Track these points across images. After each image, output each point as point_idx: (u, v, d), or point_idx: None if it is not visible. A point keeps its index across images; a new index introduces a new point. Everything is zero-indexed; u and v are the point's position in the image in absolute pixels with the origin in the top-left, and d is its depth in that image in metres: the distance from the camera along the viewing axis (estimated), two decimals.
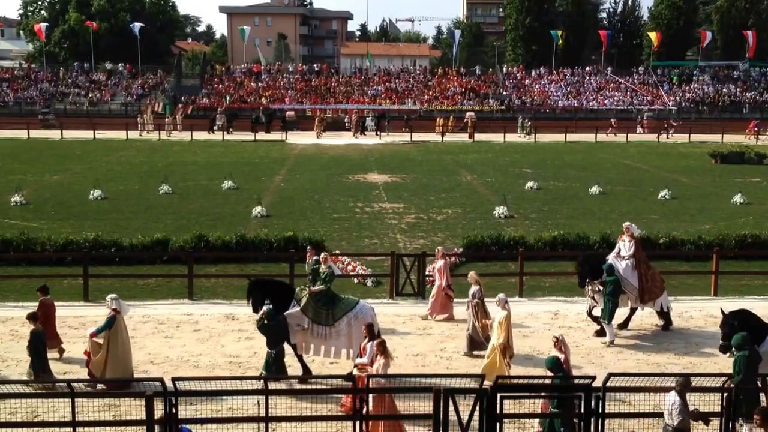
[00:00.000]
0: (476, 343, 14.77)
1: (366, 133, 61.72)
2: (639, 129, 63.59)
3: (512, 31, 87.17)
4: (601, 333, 15.93)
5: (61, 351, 14.69)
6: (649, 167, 42.75)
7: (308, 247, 17.77)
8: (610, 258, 16.19)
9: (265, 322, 13.16)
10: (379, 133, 60.82)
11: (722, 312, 12.92)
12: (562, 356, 11.41)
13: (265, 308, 13.20)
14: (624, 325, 16.40)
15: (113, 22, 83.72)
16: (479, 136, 59.21)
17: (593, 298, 16.06)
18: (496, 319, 13.58)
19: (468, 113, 66.58)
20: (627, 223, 16.94)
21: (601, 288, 15.80)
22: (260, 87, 73.48)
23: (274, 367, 12.86)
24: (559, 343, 11.66)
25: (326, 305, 13.83)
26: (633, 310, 16.48)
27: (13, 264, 20.43)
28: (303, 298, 13.88)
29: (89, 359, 13.30)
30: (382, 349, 11.46)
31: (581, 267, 16.33)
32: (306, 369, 13.73)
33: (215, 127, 60.85)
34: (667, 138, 60.38)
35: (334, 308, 13.79)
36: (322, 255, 15.29)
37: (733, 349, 11.62)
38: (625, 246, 16.38)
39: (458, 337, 15.92)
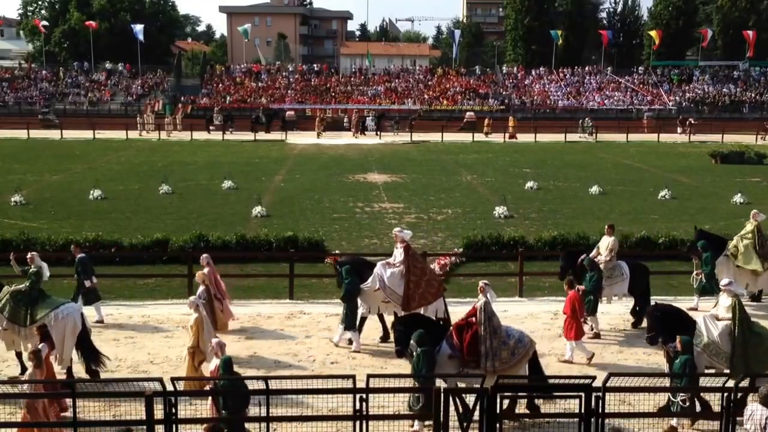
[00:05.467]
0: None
1: (366, 132, 61.65)
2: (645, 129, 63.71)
3: (512, 31, 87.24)
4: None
5: None
6: (649, 167, 42.75)
7: (72, 246, 17.41)
8: (378, 265, 15.64)
9: None
10: (379, 132, 60.80)
11: (395, 315, 12.85)
12: (218, 362, 11.22)
13: None
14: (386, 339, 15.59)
15: (113, 22, 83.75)
16: (479, 136, 59.24)
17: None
18: (189, 323, 13.32)
19: (468, 113, 66.73)
20: (397, 229, 16.33)
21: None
22: (260, 87, 73.53)
23: None
24: (216, 348, 11.48)
25: (27, 305, 13.52)
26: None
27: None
28: (3, 298, 13.56)
29: None
30: (35, 357, 11.19)
31: (339, 266, 15.97)
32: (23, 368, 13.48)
33: (212, 127, 60.77)
34: (764, 140, 58.51)
35: (35, 308, 13.47)
36: (29, 254, 14.99)
37: (414, 345, 11.62)
38: (397, 253, 15.74)
39: None
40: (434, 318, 14.94)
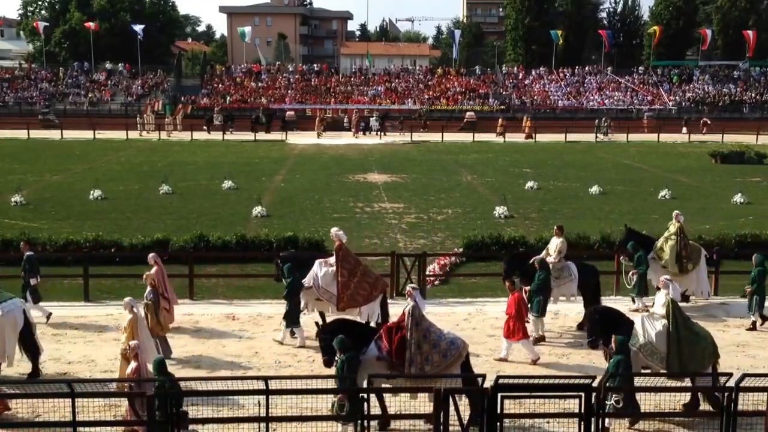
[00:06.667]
0: (156, 342, 14.45)
1: (370, 132, 61.12)
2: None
3: (512, 31, 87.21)
4: None
5: None
6: (649, 167, 42.75)
7: (22, 243, 17.54)
8: (316, 263, 15.78)
9: None
10: (379, 133, 60.51)
11: (317, 324, 13.11)
12: (135, 364, 11.13)
13: None
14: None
15: (113, 22, 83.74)
16: (480, 136, 59.11)
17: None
18: (123, 323, 13.29)
19: (468, 113, 66.69)
20: (334, 229, 16.40)
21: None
22: (260, 87, 73.52)
23: None
24: (131, 350, 11.39)
25: None
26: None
27: (13, 264, 20.38)
28: None
29: None
30: None
31: (281, 262, 16.13)
32: None
33: (206, 127, 60.52)
34: None
35: None
36: None
37: (338, 353, 11.66)
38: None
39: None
40: (370, 321, 15.00)
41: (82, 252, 19.36)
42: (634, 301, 17.66)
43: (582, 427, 10.80)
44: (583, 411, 10.77)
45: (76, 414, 10.57)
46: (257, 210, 27.88)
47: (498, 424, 10.70)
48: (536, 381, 11.77)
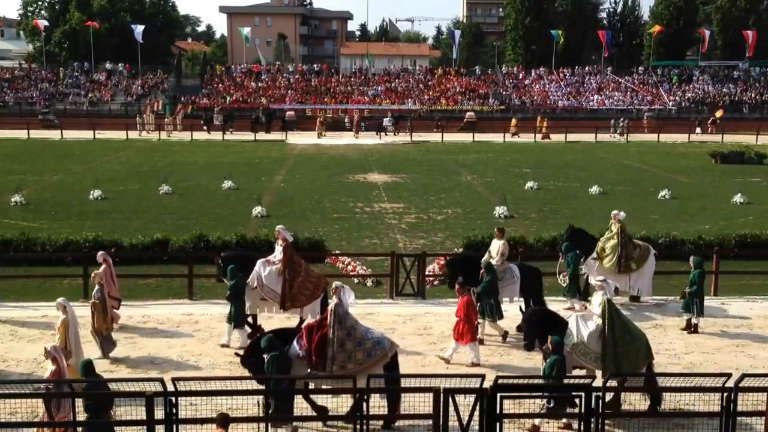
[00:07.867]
0: (99, 341, 14.65)
1: (387, 133, 60.62)
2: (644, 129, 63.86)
3: (512, 31, 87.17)
4: None
5: None
6: (649, 167, 42.76)
7: None
8: (258, 263, 15.73)
9: None
10: (381, 134, 60.34)
11: (237, 354, 13.13)
12: (54, 367, 10.95)
13: None
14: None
15: (113, 22, 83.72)
16: (480, 136, 59.11)
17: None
18: (57, 323, 13.25)
19: (468, 113, 66.67)
20: (280, 227, 16.37)
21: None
22: (260, 87, 73.52)
23: None
24: (49, 353, 11.13)
25: None
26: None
27: (13, 264, 20.39)
28: None
29: None
30: None
31: (223, 263, 16.10)
32: None
33: (205, 127, 60.45)
34: None
35: None
36: None
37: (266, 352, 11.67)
38: (278, 251, 15.83)
39: None
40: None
41: (82, 252, 19.34)
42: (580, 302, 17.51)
43: (582, 427, 10.80)
44: (583, 411, 10.77)
45: (76, 414, 10.57)
46: (257, 210, 27.88)
47: (498, 424, 10.70)
48: (536, 381, 11.78)
